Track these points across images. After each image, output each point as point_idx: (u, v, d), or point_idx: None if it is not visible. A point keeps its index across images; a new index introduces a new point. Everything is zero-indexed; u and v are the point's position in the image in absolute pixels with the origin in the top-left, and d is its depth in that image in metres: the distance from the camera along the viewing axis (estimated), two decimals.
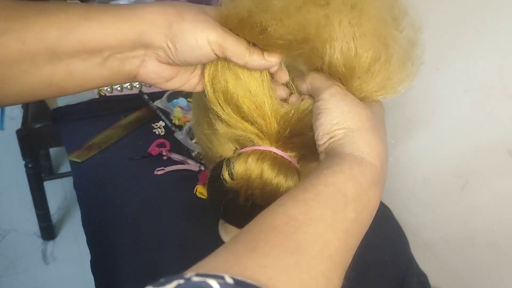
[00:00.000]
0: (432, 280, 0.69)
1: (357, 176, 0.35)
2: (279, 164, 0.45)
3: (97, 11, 0.39)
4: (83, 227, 0.72)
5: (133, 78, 0.42)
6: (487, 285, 0.62)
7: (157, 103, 0.96)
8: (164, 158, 0.82)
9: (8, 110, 1.41)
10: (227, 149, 0.48)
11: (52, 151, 1.73)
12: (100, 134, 0.88)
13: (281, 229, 0.29)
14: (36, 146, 1.33)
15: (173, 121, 0.91)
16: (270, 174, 0.44)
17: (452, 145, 0.63)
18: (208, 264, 0.28)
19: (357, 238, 0.34)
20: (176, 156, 0.82)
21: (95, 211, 0.73)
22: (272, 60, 0.41)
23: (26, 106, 1.40)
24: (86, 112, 0.95)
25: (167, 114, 0.92)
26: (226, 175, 0.45)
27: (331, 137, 0.39)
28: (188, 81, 0.45)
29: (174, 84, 0.44)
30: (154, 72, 0.42)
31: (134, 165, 0.80)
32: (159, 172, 0.77)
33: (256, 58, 0.41)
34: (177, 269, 0.63)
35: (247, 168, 0.44)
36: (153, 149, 0.83)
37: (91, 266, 0.65)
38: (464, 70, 0.59)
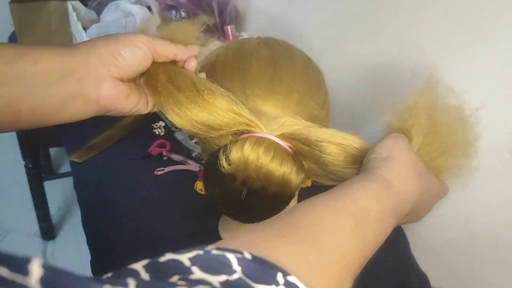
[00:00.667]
0: (432, 280, 0.69)
1: (382, 198, 0.38)
2: (274, 149, 0.46)
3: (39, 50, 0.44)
4: (83, 227, 0.72)
5: (96, 103, 0.47)
6: (488, 285, 0.62)
7: None
8: (165, 158, 0.82)
9: None
10: (225, 140, 0.49)
11: (52, 151, 1.73)
12: (100, 134, 0.88)
13: (310, 228, 0.31)
14: (36, 146, 1.33)
15: None
16: (265, 159, 0.45)
17: None
18: (233, 241, 0.30)
19: (366, 259, 0.35)
20: (176, 157, 0.82)
21: (95, 211, 0.73)
22: (195, 48, 0.52)
23: None
24: None
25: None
26: (223, 160, 0.46)
27: (374, 156, 0.43)
28: (142, 97, 0.51)
29: (132, 101, 0.50)
30: (113, 89, 0.47)
31: (134, 165, 0.80)
32: (159, 172, 0.77)
33: (182, 48, 0.50)
34: None
35: (243, 153, 0.45)
36: (154, 150, 0.82)
37: (91, 266, 0.65)
38: (464, 70, 0.59)
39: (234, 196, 0.48)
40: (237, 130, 0.47)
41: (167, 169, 0.78)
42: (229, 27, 1.09)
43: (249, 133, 0.47)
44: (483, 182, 0.60)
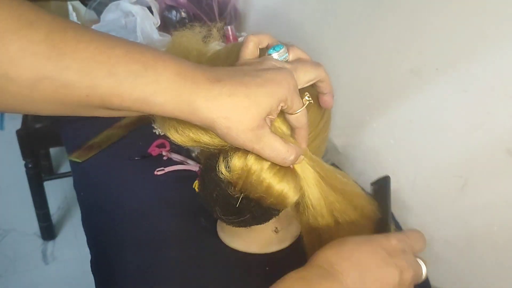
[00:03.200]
0: (432, 280, 0.69)
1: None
2: (276, 165, 0.45)
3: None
4: (83, 227, 0.72)
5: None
6: (488, 285, 0.62)
7: None
8: (164, 158, 0.82)
9: None
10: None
11: (52, 151, 1.73)
12: (100, 134, 0.88)
13: None
14: (36, 146, 1.33)
15: None
16: (267, 173, 0.44)
17: (451, 145, 0.63)
18: None
19: None
20: (176, 157, 0.82)
21: (95, 211, 0.73)
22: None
23: None
24: None
25: None
26: (222, 167, 0.45)
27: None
28: None
29: None
30: None
31: (134, 165, 0.80)
32: (159, 173, 0.78)
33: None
34: (177, 269, 0.64)
35: (247, 162, 0.44)
36: (153, 149, 0.83)
37: (91, 266, 0.65)
38: (464, 70, 0.59)
39: (228, 202, 0.47)
40: None
41: (167, 169, 0.78)
42: (229, 27, 1.09)
43: None
44: (482, 182, 0.60)
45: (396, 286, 0.42)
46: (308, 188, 0.48)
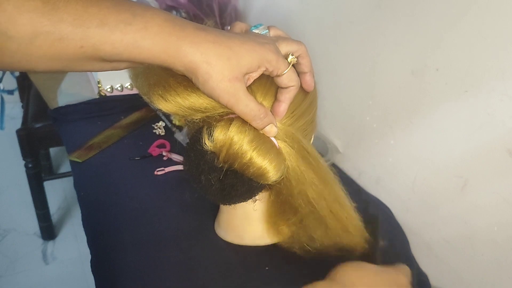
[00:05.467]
0: (432, 280, 0.69)
1: None
2: (260, 138, 0.46)
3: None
4: (83, 227, 0.72)
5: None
6: (487, 285, 0.62)
7: None
8: (164, 158, 0.82)
9: (8, 110, 1.42)
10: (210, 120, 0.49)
11: (52, 151, 1.73)
12: (100, 134, 0.88)
13: None
14: (36, 146, 1.33)
15: (173, 122, 0.91)
16: (248, 144, 0.45)
17: (452, 145, 0.63)
18: None
19: None
20: (176, 157, 0.82)
21: (95, 211, 0.73)
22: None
23: (26, 106, 1.40)
24: (86, 112, 0.95)
25: (167, 115, 0.92)
26: (205, 138, 0.46)
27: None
28: None
29: None
30: None
31: (134, 165, 0.80)
32: (159, 173, 0.78)
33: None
34: (177, 269, 0.64)
35: (229, 133, 0.45)
36: (153, 150, 0.83)
37: (91, 266, 0.65)
38: (464, 70, 0.59)
39: (212, 174, 0.48)
40: (222, 112, 0.47)
41: (167, 169, 0.78)
42: (229, 28, 1.09)
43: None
44: (482, 182, 0.60)
45: None
46: (289, 163, 0.49)
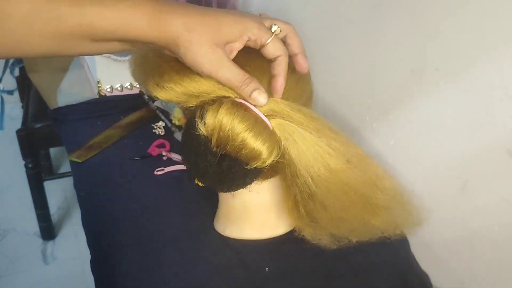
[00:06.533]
0: (432, 280, 0.69)
1: None
2: (252, 119, 0.46)
3: None
4: (83, 227, 0.72)
5: None
6: (487, 285, 0.62)
7: (157, 103, 0.96)
8: (164, 158, 0.82)
9: (8, 110, 1.42)
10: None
11: (52, 151, 1.73)
12: (100, 134, 0.88)
13: None
14: (36, 146, 1.33)
15: (173, 122, 0.91)
16: (240, 126, 0.45)
17: (451, 146, 0.63)
18: None
19: None
20: (176, 157, 0.82)
21: (95, 211, 0.73)
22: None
23: (26, 106, 1.40)
24: (86, 112, 0.95)
25: (167, 114, 0.92)
26: (198, 122, 0.47)
27: None
28: None
29: None
30: None
31: (134, 165, 0.80)
32: (159, 173, 0.78)
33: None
34: (177, 269, 0.64)
35: (218, 116, 0.45)
36: (153, 149, 0.83)
37: (91, 266, 0.65)
38: (464, 70, 0.59)
39: (207, 159, 0.48)
40: (216, 96, 0.47)
41: (167, 169, 0.78)
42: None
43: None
44: (482, 183, 0.60)
45: None
46: (289, 144, 0.48)
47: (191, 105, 0.49)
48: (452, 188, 0.64)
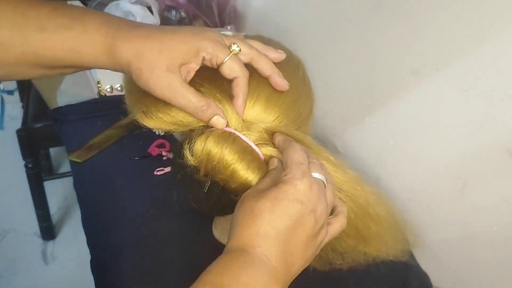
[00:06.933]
0: (432, 280, 0.69)
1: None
2: (242, 149, 0.44)
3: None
4: (83, 227, 0.72)
5: None
6: (487, 285, 0.62)
7: None
8: (164, 158, 0.82)
9: (8, 110, 1.41)
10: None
11: (52, 151, 1.73)
12: (100, 134, 0.88)
13: None
14: (36, 146, 1.33)
15: None
16: (228, 157, 0.44)
17: (451, 146, 0.63)
18: None
19: None
20: None
21: (95, 211, 0.73)
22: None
23: (26, 106, 1.40)
24: (86, 112, 0.95)
25: None
26: (187, 152, 0.45)
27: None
28: None
29: None
30: None
31: (134, 165, 0.80)
32: (158, 173, 0.78)
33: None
34: (176, 269, 0.64)
35: (206, 146, 0.44)
36: (153, 149, 0.83)
37: (91, 266, 0.65)
38: (464, 70, 0.59)
39: (196, 188, 0.47)
40: (204, 125, 0.46)
41: (167, 169, 0.78)
42: (228, 27, 1.09)
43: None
44: (482, 182, 0.60)
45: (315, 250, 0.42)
46: None
47: (180, 132, 0.47)
48: (452, 188, 0.64)
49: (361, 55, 0.78)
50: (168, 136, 0.88)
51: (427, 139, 0.67)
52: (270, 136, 0.47)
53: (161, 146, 0.84)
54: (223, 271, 0.36)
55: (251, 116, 0.47)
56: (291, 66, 0.52)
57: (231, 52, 0.44)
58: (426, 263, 0.70)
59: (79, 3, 1.15)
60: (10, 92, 1.45)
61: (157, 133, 0.89)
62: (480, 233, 0.61)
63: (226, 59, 0.43)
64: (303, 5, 0.93)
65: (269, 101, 0.47)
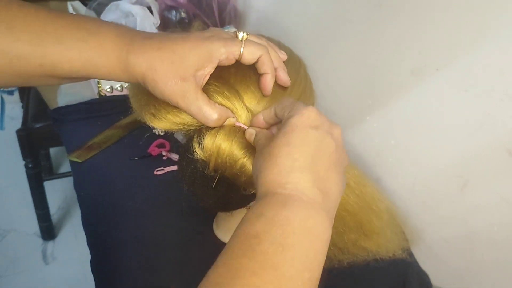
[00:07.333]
0: (432, 280, 0.69)
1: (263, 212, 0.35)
2: (249, 143, 0.45)
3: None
4: (83, 227, 0.72)
5: None
6: (487, 284, 0.62)
7: None
8: (164, 158, 0.82)
9: (8, 110, 1.41)
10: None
11: (52, 151, 1.73)
12: (100, 134, 0.88)
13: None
14: (36, 146, 1.33)
15: None
16: (238, 151, 0.44)
17: (452, 145, 0.63)
18: None
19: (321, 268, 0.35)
20: (175, 156, 0.82)
21: (95, 211, 0.73)
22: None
23: (26, 106, 1.40)
24: (86, 112, 0.95)
25: None
26: (196, 146, 0.46)
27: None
28: None
29: None
30: None
31: (134, 165, 0.80)
32: (158, 172, 0.77)
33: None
34: (177, 269, 0.64)
35: (216, 141, 0.44)
36: (153, 149, 0.83)
37: (91, 266, 0.65)
38: (464, 70, 0.59)
39: (205, 183, 0.48)
40: None
41: (167, 169, 0.78)
42: (228, 27, 1.09)
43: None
44: (482, 182, 0.60)
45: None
46: None
47: (189, 130, 0.48)
48: (452, 187, 0.64)
49: (362, 55, 0.78)
50: (168, 136, 0.88)
51: (428, 139, 0.67)
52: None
53: (161, 146, 0.84)
54: (257, 219, 0.34)
55: (258, 111, 0.47)
56: (293, 64, 0.53)
57: (242, 40, 0.44)
58: (426, 263, 0.70)
59: (79, 3, 1.15)
60: (10, 92, 1.45)
61: (157, 133, 0.89)
62: (480, 233, 0.61)
63: (242, 50, 0.44)
64: (303, 5, 0.93)
65: (273, 97, 0.48)
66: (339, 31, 0.83)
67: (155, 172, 0.77)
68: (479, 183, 0.60)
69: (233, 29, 0.51)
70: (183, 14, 1.11)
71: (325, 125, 0.39)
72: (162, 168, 0.78)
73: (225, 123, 0.45)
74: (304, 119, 0.38)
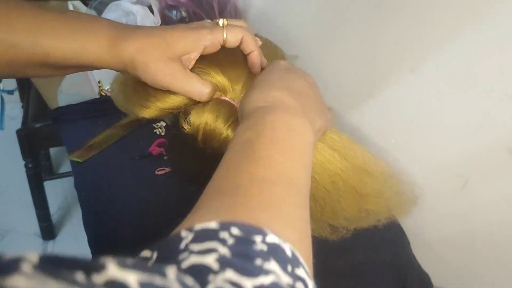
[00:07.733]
0: (433, 279, 0.69)
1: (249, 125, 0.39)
2: (235, 115, 0.48)
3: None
4: (84, 227, 0.72)
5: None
6: (487, 284, 0.62)
7: None
8: (165, 158, 0.82)
9: (8, 110, 1.41)
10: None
11: (52, 151, 1.73)
12: (100, 134, 0.88)
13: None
14: (36, 146, 1.33)
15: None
16: (223, 123, 0.47)
17: (452, 145, 0.63)
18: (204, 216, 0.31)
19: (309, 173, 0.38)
20: None
21: (95, 211, 0.73)
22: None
23: (26, 106, 1.40)
24: (86, 112, 0.95)
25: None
26: (183, 122, 0.48)
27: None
28: None
29: None
30: None
31: (134, 165, 0.80)
32: (159, 172, 0.78)
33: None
34: None
35: (201, 115, 0.47)
36: (154, 149, 0.83)
37: None
38: (464, 70, 0.59)
39: (194, 158, 0.50)
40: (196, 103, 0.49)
41: (168, 169, 0.78)
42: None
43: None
44: (482, 180, 0.60)
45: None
46: None
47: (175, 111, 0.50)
48: (452, 186, 0.64)
49: (361, 55, 0.78)
50: (169, 135, 0.88)
51: (428, 138, 0.67)
52: None
53: (162, 145, 0.84)
54: (247, 128, 0.38)
55: (240, 87, 0.51)
56: (270, 46, 0.58)
57: (223, 26, 0.49)
58: (426, 262, 0.70)
59: (80, 2, 1.15)
60: (10, 92, 1.45)
61: (157, 133, 0.89)
62: (481, 232, 0.61)
63: (225, 34, 0.48)
64: (303, 5, 0.93)
65: (251, 77, 0.52)
66: (339, 31, 0.83)
67: (156, 172, 0.77)
68: (480, 182, 0.60)
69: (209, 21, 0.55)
70: (183, 13, 1.11)
71: (298, 68, 0.47)
72: (163, 168, 0.78)
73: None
74: (280, 63, 0.47)
